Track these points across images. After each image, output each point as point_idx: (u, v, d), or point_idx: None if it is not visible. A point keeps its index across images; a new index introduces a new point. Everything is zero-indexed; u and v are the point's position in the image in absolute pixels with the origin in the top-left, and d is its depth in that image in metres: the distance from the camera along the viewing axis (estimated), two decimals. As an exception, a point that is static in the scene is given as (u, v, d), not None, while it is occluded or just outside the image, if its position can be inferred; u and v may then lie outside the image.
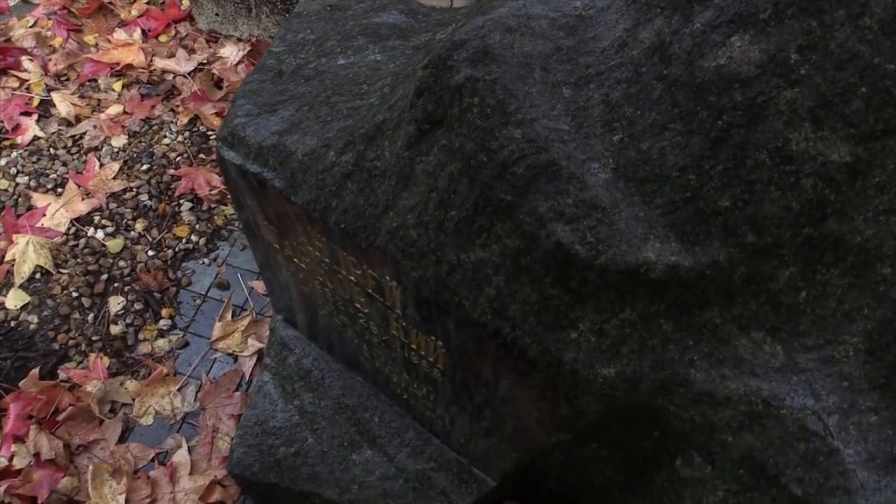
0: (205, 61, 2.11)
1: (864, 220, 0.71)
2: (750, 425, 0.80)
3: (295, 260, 1.12)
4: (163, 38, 2.17)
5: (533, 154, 0.71)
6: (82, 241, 1.79)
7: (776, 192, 0.68)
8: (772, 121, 0.65)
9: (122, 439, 1.60)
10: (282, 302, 1.37)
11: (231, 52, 2.11)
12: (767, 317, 0.77)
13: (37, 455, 1.51)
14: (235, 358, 1.72)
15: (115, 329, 1.71)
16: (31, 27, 2.14)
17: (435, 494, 1.30)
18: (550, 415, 0.91)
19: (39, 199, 1.83)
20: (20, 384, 1.60)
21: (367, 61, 1.02)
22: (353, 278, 1.02)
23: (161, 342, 1.72)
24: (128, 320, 1.73)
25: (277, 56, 1.08)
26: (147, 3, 2.25)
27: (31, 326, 1.68)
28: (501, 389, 0.95)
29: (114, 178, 1.88)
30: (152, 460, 1.58)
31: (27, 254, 1.72)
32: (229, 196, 1.92)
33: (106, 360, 1.66)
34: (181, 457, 1.57)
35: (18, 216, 1.80)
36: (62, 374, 1.64)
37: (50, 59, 2.07)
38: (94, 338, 1.69)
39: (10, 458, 1.51)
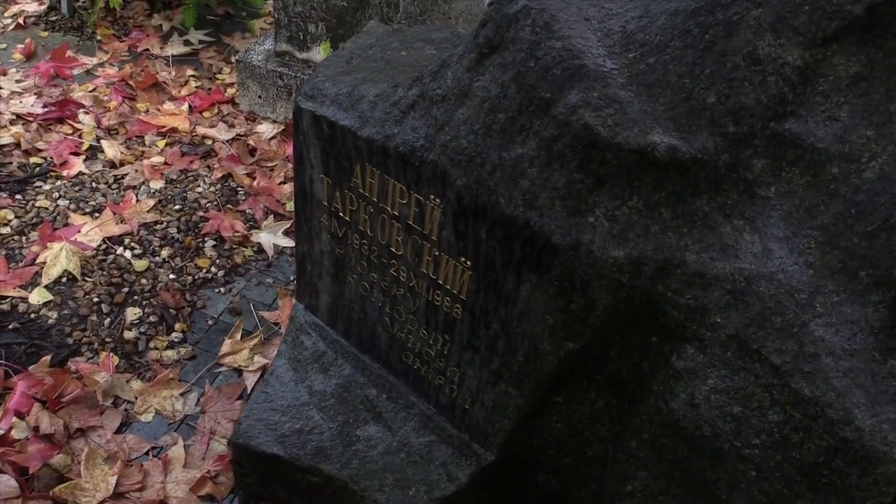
0: (242, 133, 2.39)
1: (815, 123, 0.94)
2: (735, 304, 0.96)
3: (340, 214, 1.30)
4: (206, 114, 2.47)
5: (569, 59, 0.95)
6: (111, 257, 1.93)
7: (749, 87, 0.91)
8: (744, 32, 0.90)
9: (119, 431, 1.62)
10: (309, 286, 1.51)
11: (266, 129, 2.40)
12: (746, 207, 0.97)
13: (35, 429, 1.53)
14: (240, 373, 1.79)
15: (128, 335, 1.79)
16: (90, 91, 2.43)
17: (434, 467, 1.35)
18: (563, 315, 1.05)
19: (76, 219, 1.98)
20: (30, 368, 1.64)
21: (426, 53, 1.29)
22: (396, 212, 1.19)
23: (170, 352, 1.79)
24: (141, 329, 1.81)
25: (348, 50, 1.34)
26: (196, 86, 2.58)
27: (50, 321, 1.76)
28: (520, 301, 1.10)
29: (148, 211, 2.06)
30: (147, 453, 1.59)
31: (59, 258, 1.85)
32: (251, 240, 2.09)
33: (115, 360, 1.73)
34: (176, 452, 1.59)
35: (55, 230, 1.94)
36: (72, 366, 1.69)
37: (104, 116, 2.33)
38: (107, 339, 1.76)
39: (9, 430, 1.52)
